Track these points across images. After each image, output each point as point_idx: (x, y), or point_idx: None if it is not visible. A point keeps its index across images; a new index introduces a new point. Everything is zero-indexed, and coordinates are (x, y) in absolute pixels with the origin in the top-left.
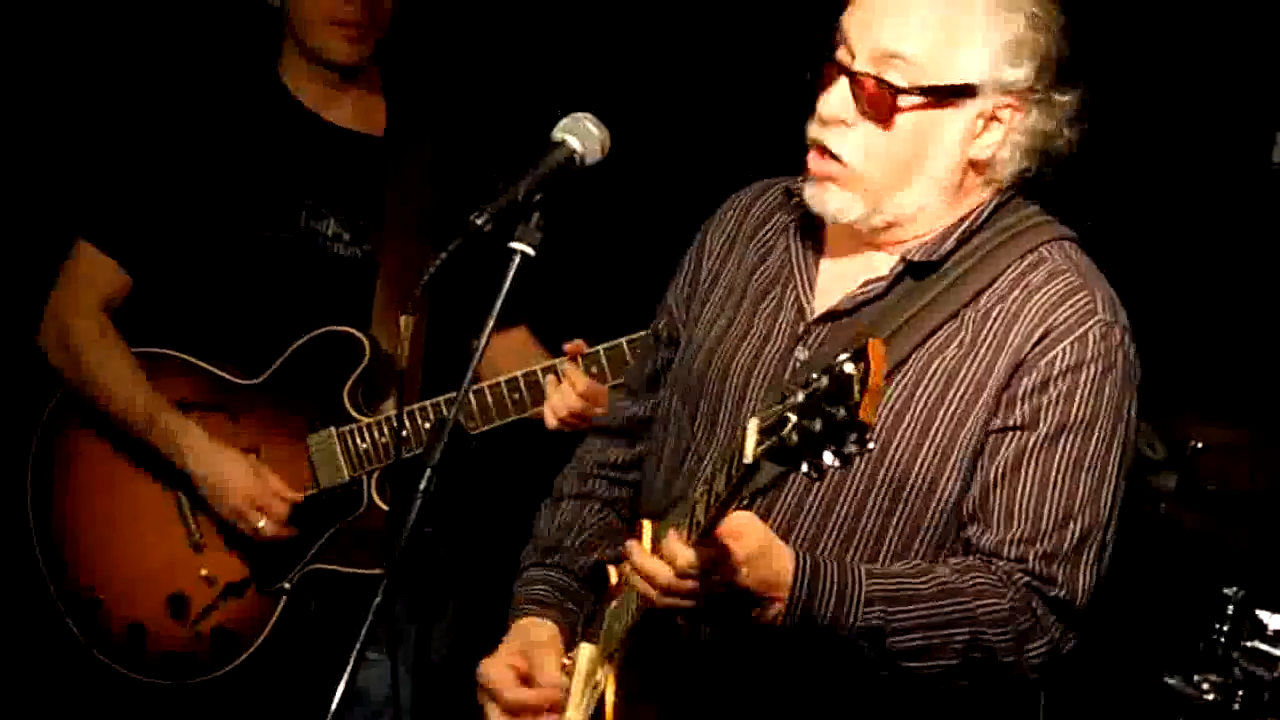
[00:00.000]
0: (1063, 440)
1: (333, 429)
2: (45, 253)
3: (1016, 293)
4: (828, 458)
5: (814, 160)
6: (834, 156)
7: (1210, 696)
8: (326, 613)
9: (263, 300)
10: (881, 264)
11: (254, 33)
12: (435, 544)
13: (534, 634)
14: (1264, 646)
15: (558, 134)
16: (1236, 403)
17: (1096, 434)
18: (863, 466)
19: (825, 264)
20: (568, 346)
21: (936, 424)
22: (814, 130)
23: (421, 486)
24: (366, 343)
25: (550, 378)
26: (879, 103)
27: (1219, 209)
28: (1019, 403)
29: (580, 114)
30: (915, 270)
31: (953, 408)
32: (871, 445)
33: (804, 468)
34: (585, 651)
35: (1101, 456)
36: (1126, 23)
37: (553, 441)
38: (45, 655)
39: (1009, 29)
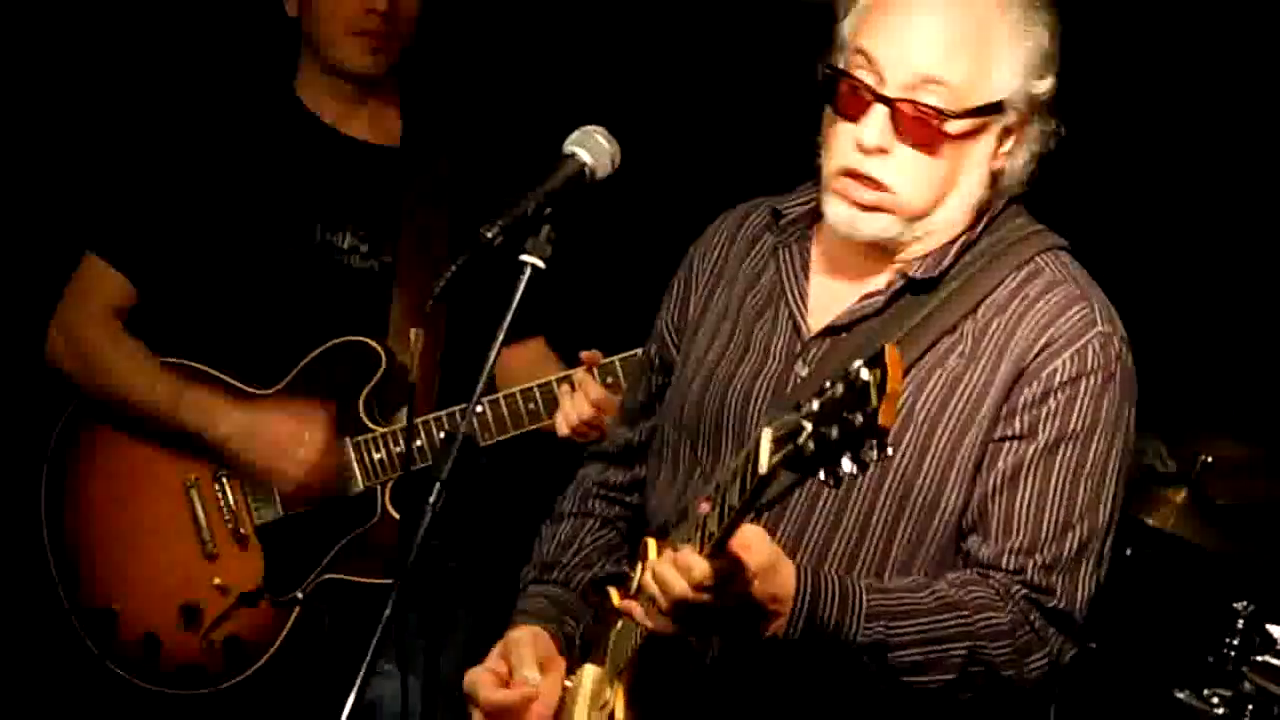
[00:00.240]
0: (1061, 451)
1: (348, 439)
2: (54, 266)
3: (1015, 304)
4: (846, 464)
5: (853, 187)
6: (879, 184)
7: (1220, 711)
8: (339, 623)
9: (279, 312)
10: (876, 278)
11: (270, 46)
12: (444, 557)
13: (513, 635)
14: (1274, 661)
15: (568, 147)
16: (1246, 418)
17: (1095, 444)
18: (868, 480)
19: (817, 281)
20: (583, 356)
21: (939, 436)
22: (849, 159)
23: (431, 500)
24: (383, 353)
25: (564, 386)
26: (923, 129)
27: (1233, 225)
28: (1018, 414)
29: (591, 127)
30: (914, 286)
31: (954, 419)
32: (890, 450)
33: (821, 475)
34: (590, 673)
35: (1100, 467)
36: (1135, 26)
37: (564, 455)
38: (59, 667)
39: (1036, 42)
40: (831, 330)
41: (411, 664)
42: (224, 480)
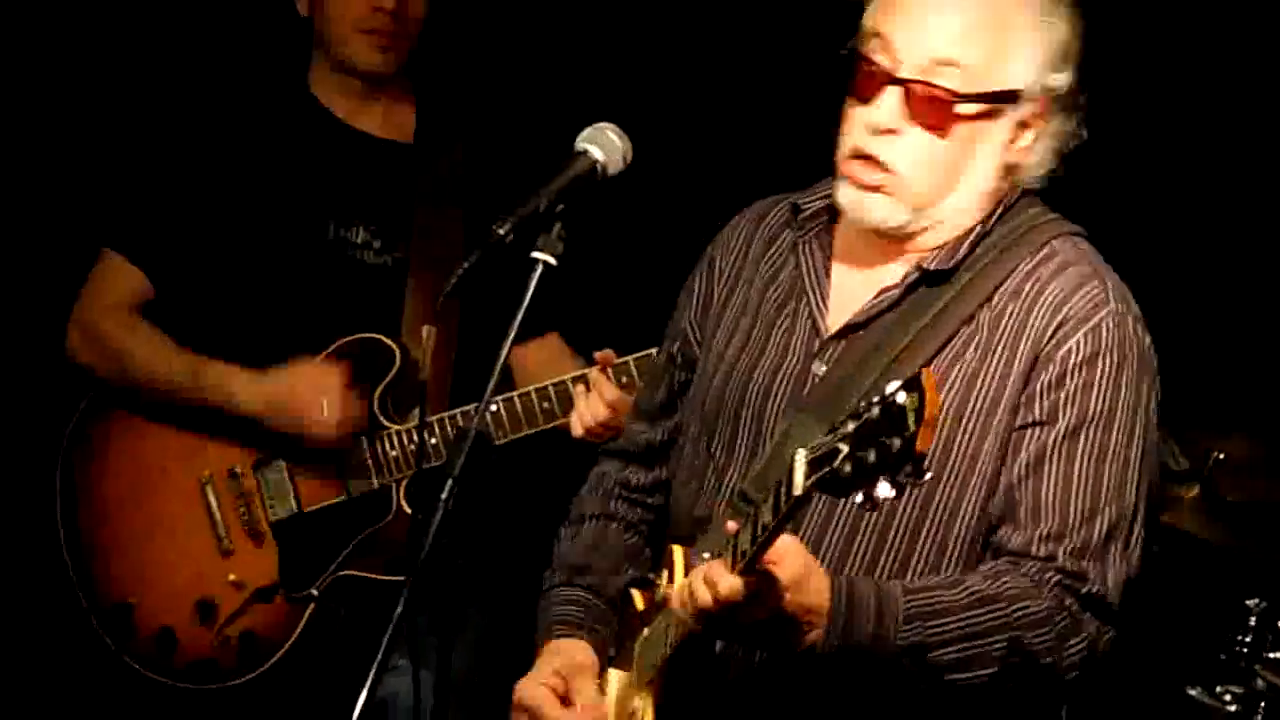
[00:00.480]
0: (1083, 434)
1: (362, 436)
2: (74, 265)
3: (1029, 286)
4: (883, 489)
5: (859, 169)
6: (883, 165)
7: (1232, 708)
8: (354, 619)
9: (293, 308)
10: (894, 272)
11: (283, 42)
12: (455, 554)
13: (575, 656)
14: None
15: (580, 144)
16: (1258, 415)
17: (1116, 425)
18: (915, 487)
19: (836, 277)
20: (598, 356)
21: (962, 427)
22: (859, 139)
23: (443, 497)
24: (397, 350)
25: (579, 386)
26: (935, 110)
27: (1244, 222)
28: (1037, 399)
29: (603, 124)
30: (929, 277)
31: (977, 409)
32: (929, 475)
33: (858, 499)
34: (616, 679)
35: (1124, 447)
36: (1143, 25)
37: (576, 453)
38: (75, 662)
39: (1055, 34)
40: (849, 328)
41: (424, 661)
42: (239, 476)
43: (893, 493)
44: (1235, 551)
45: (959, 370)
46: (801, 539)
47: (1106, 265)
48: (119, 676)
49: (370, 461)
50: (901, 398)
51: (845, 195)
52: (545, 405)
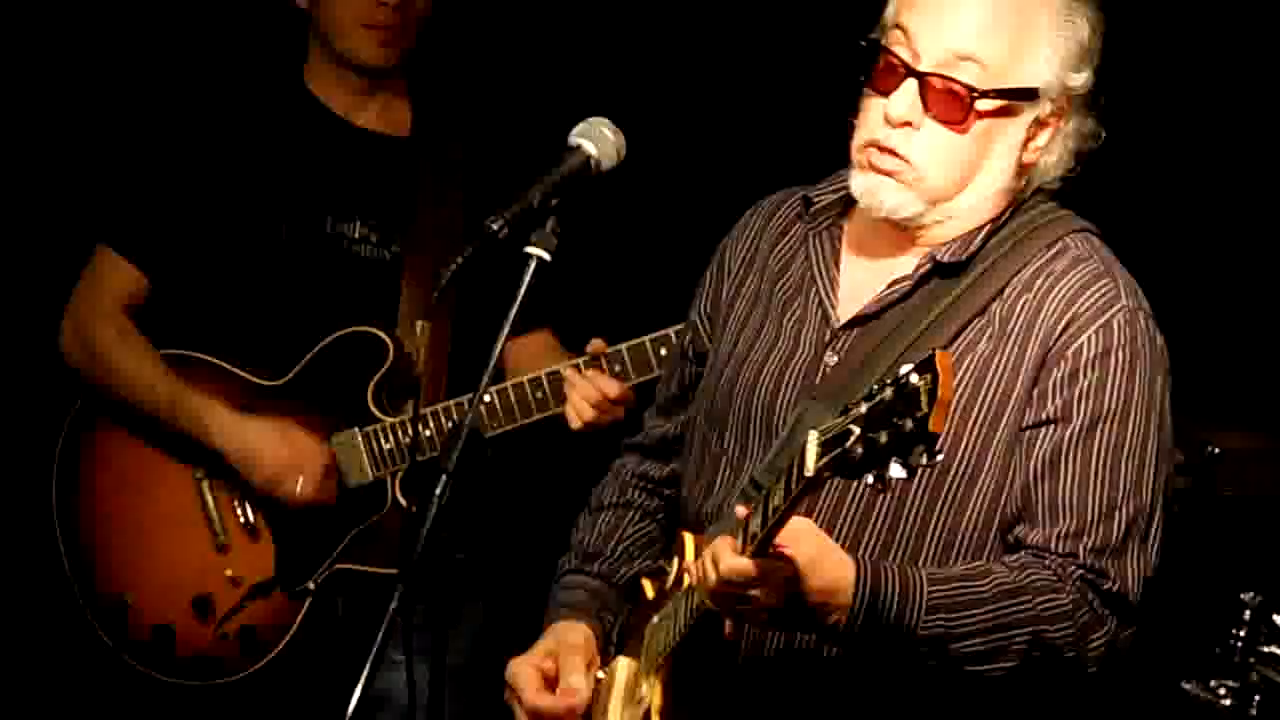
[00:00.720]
0: (1099, 431)
1: (357, 429)
2: (69, 259)
3: (1040, 281)
4: (895, 470)
5: (874, 156)
6: (899, 156)
7: (1227, 702)
8: (352, 613)
9: (289, 302)
10: (905, 264)
11: (279, 37)
12: (453, 547)
13: (568, 636)
14: None
15: (573, 139)
16: (1254, 408)
17: (1131, 421)
18: (927, 469)
19: (847, 269)
20: (590, 346)
21: (972, 419)
22: (876, 131)
23: (437, 491)
24: (390, 344)
25: (570, 378)
26: (953, 105)
27: (1242, 212)
28: (1050, 396)
29: (596, 119)
30: (942, 270)
31: (987, 401)
32: (941, 456)
33: (870, 480)
34: (623, 665)
35: (1139, 444)
36: (1154, 25)
37: (572, 445)
38: (73, 660)
39: (1075, 34)
40: (860, 319)
41: (419, 653)
42: (234, 472)
43: (904, 474)
44: (1231, 545)
45: (971, 360)
46: (815, 520)
47: (1118, 261)
48: (117, 673)
49: (364, 454)
50: (915, 379)
51: (859, 182)
52: (539, 395)
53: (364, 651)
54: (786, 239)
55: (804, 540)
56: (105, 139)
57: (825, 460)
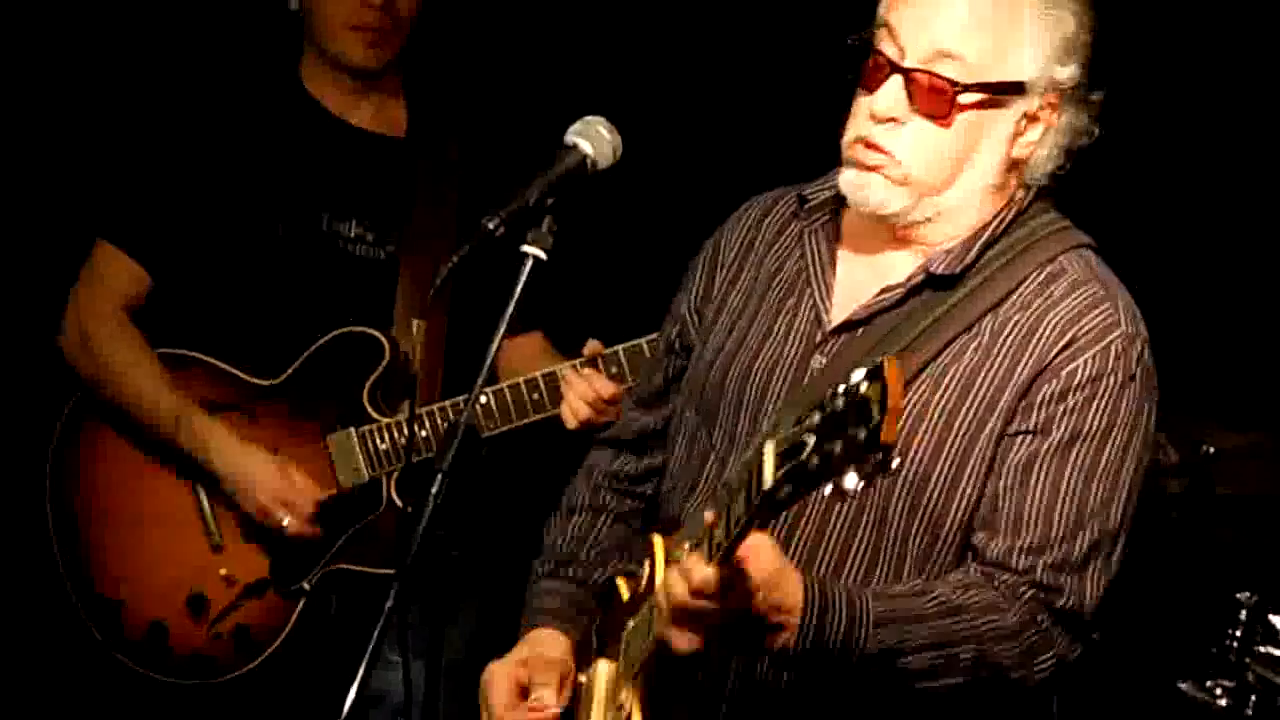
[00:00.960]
0: (1076, 449)
1: (352, 429)
2: (65, 254)
3: (1038, 302)
4: (850, 479)
5: (860, 151)
6: (884, 151)
7: (1223, 702)
8: (346, 613)
9: (284, 301)
10: (900, 270)
11: (275, 37)
12: (448, 547)
13: (545, 646)
14: (1277, 651)
15: (570, 138)
16: (1250, 408)
17: (1110, 445)
18: (882, 481)
19: (842, 271)
20: (587, 348)
21: (953, 431)
22: (863, 127)
23: (433, 491)
24: (386, 343)
25: (566, 377)
26: (936, 99)
27: (1239, 212)
28: (1035, 409)
29: (592, 118)
30: (935, 281)
31: (969, 414)
32: (895, 464)
33: (827, 490)
34: (603, 670)
35: (1115, 467)
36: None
37: (568, 444)
38: (66, 657)
39: (1061, 27)
40: (850, 325)
41: (415, 653)
42: None
43: (860, 484)
44: (1227, 545)
45: (956, 372)
46: (796, 540)
47: (1119, 283)
48: (111, 672)
49: (360, 455)
50: (865, 388)
51: (846, 178)
52: (535, 396)
53: (359, 651)
54: (782, 236)
55: (762, 555)
56: (105, 136)
57: (782, 472)
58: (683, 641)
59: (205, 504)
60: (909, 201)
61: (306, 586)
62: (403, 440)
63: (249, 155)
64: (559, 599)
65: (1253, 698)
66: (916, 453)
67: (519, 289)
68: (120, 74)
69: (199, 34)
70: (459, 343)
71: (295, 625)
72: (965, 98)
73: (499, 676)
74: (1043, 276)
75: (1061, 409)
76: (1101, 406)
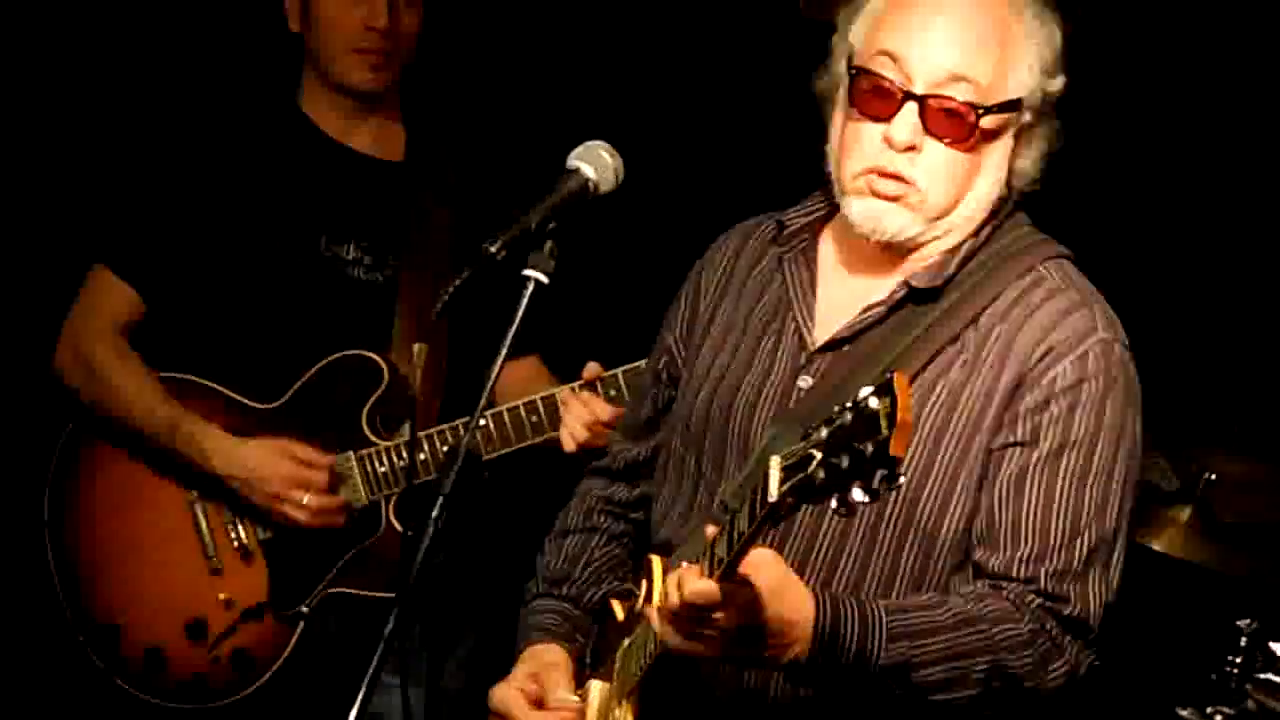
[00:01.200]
0: (1065, 457)
1: (351, 453)
2: (62, 278)
3: (1017, 311)
4: (857, 494)
5: (878, 182)
6: (904, 180)
7: None
8: (345, 636)
9: (283, 325)
10: (881, 288)
11: (274, 60)
12: (447, 571)
13: (545, 656)
14: (1277, 678)
15: (572, 162)
16: (1250, 435)
17: (1099, 450)
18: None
19: (823, 293)
20: (586, 371)
21: (943, 448)
22: (878, 157)
23: (434, 515)
24: (385, 367)
25: (565, 400)
26: (951, 124)
27: (1237, 237)
28: (1020, 420)
29: (594, 142)
30: (916, 296)
31: (958, 428)
32: (902, 480)
33: (833, 504)
34: (597, 689)
35: (1105, 472)
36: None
37: (566, 468)
38: (64, 682)
39: (1050, 40)
40: (834, 344)
41: (414, 677)
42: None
43: (867, 499)
44: (1227, 572)
45: (943, 387)
46: (786, 556)
47: (1095, 291)
48: (108, 697)
49: (359, 478)
50: (874, 402)
51: (859, 208)
52: (534, 419)
53: (358, 674)
54: (761, 263)
55: (766, 569)
56: (103, 160)
57: (788, 485)
58: (680, 642)
59: (204, 527)
60: (924, 226)
61: (305, 610)
62: (401, 463)
63: (247, 178)
64: (553, 616)
65: None
66: (909, 471)
67: (520, 312)
68: (118, 97)
69: (197, 57)
70: (458, 366)
71: (294, 649)
72: (985, 120)
73: (512, 693)
74: (1022, 286)
75: (1046, 418)
76: (1085, 414)
